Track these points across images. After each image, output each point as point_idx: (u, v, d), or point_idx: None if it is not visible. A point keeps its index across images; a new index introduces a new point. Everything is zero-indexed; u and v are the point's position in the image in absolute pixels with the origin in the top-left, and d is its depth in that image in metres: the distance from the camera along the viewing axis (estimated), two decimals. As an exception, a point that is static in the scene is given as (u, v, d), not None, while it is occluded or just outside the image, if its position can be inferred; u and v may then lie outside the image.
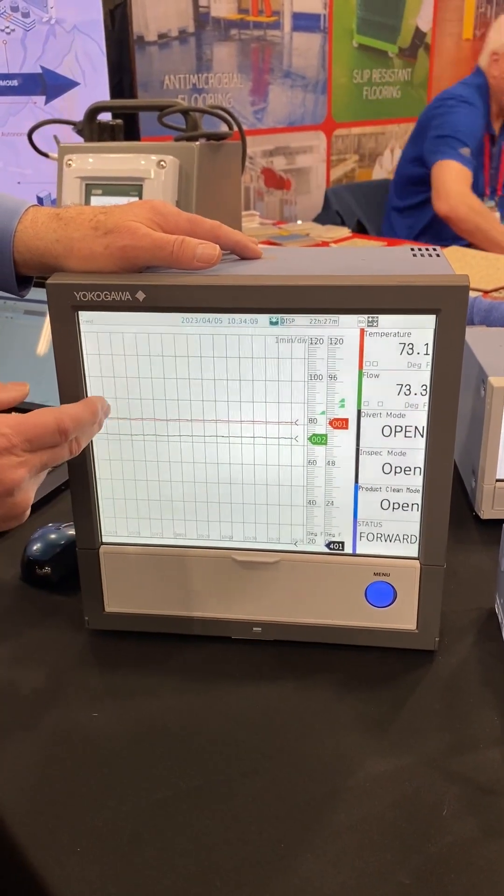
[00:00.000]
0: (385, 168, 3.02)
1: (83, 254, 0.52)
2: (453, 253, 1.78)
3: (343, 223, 2.39)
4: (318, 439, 0.55)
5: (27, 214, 0.56)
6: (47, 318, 0.98)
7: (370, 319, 0.51)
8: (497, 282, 1.54)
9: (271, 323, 0.52)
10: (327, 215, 2.48)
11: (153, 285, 0.51)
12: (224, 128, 1.06)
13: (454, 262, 1.93)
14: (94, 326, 0.53)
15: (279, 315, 0.52)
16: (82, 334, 0.54)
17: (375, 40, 2.83)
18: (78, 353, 0.54)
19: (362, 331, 0.52)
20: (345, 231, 2.06)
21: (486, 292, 1.48)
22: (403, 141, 3.05)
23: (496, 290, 1.50)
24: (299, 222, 2.27)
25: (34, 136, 1.19)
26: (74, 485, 0.57)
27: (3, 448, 0.45)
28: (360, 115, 2.87)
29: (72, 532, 0.69)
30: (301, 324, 0.52)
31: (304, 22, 2.60)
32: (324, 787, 0.49)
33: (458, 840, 0.45)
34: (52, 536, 0.69)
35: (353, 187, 2.66)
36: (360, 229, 2.42)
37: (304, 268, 0.54)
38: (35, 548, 0.68)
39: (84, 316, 0.53)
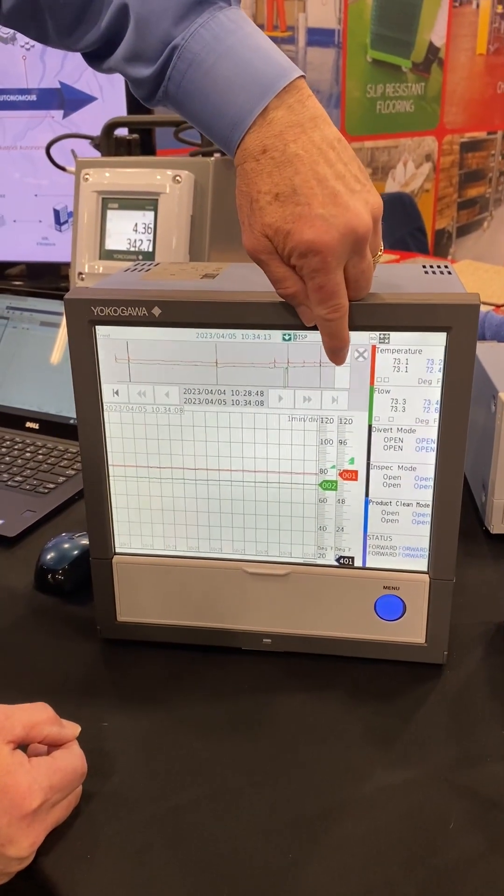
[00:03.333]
0: (398, 181, 3.03)
1: (243, 226, 0.48)
2: (466, 267, 1.79)
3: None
4: (329, 485, 0.56)
5: (268, 111, 0.46)
6: (62, 329, 0.99)
7: (382, 336, 0.52)
8: (509, 296, 1.55)
9: (284, 339, 0.53)
10: (340, 228, 2.49)
11: (169, 301, 0.52)
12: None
13: (467, 275, 1.92)
14: (110, 343, 0.54)
15: (292, 331, 0.53)
16: (99, 349, 0.55)
17: (389, 55, 2.85)
18: (95, 367, 0.55)
19: (374, 347, 0.53)
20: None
21: (497, 306, 1.49)
22: (416, 154, 3.06)
23: (508, 304, 1.50)
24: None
25: (52, 150, 1.21)
26: (89, 496, 0.58)
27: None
28: (373, 128, 2.89)
29: (85, 542, 0.70)
30: (313, 339, 0.53)
31: (319, 37, 2.63)
32: (332, 799, 0.49)
33: (465, 854, 0.45)
34: (66, 546, 0.70)
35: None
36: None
37: (317, 285, 0.55)
38: (49, 556, 0.69)
39: (101, 331, 0.54)
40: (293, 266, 0.47)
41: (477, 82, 3.18)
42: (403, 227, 2.67)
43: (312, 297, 0.48)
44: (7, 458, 0.90)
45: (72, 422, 0.94)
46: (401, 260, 1.87)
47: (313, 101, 0.48)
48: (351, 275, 0.48)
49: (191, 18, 0.47)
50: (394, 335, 0.52)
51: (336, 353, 0.51)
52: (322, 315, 0.48)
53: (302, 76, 0.48)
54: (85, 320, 0.53)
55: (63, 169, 1.22)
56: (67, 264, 1.53)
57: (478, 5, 3.06)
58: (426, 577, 0.57)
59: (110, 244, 1.05)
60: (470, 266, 1.79)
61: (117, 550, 0.60)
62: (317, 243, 0.45)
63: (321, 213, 0.45)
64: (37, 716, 0.46)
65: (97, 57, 0.53)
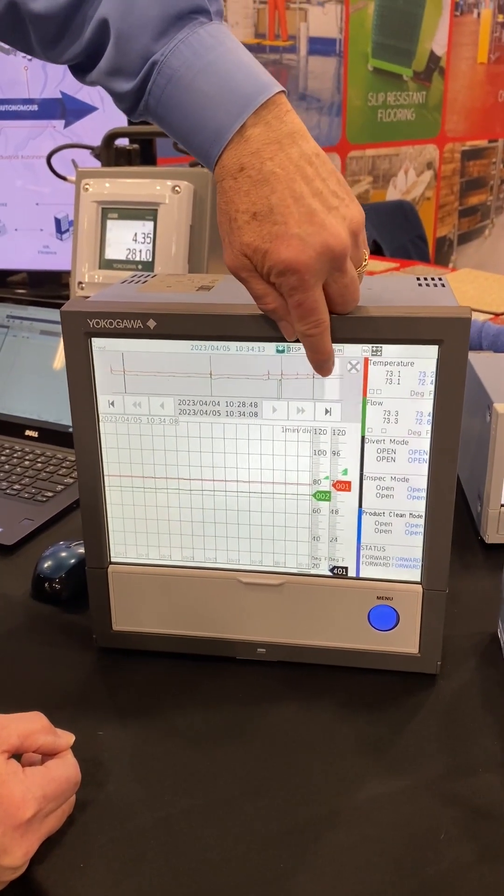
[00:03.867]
0: (399, 189, 3.04)
1: (223, 242, 0.48)
2: (465, 275, 1.80)
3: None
4: (323, 496, 0.57)
5: (246, 128, 0.46)
6: (55, 338, 1.00)
7: (374, 349, 0.53)
8: (508, 304, 1.55)
9: (277, 351, 0.54)
10: (341, 236, 2.50)
11: (164, 314, 0.53)
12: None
13: (466, 283, 1.92)
14: (105, 354, 0.55)
15: (285, 344, 0.53)
16: (95, 360, 0.55)
17: (390, 64, 2.87)
18: (90, 378, 0.55)
19: (366, 359, 0.53)
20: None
21: (496, 315, 1.49)
22: (418, 162, 3.08)
23: (507, 312, 1.51)
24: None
25: (52, 160, 1.22)
26: (85, 506, 0.59)
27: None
28: (374, 136, 2.91)
29: (82, 550, 0.70)
30: (307, 352, 0.53)
31: (320, 46, 2.64)
32: (324, 808, 0.49)
33: (454, 864, 0.45)
34: (63, 554, 0.71)
35: (367, 208, 2.68)
36: (375, 249, 2.43)
37: (311, 297, 0.56)
38: (46, 565, 0.70)
39: (97, 342, 0.55)
40: (273, 283, 0.48)
41: (478, 91, 3.19)
42: (404, 234, 2.68)
43: (293, 313, 0.48)
44: (6, 466, 0.91)
45: (71, 430, 0.94)
46: (401, 268, 1.88)
47: (292, 116, 0.48)
48: (333, 290, 0.48)
49: (171, 34, 0.47)
50: (386, 348, 0.52)
51: (320, 365, 0.51)
52: (302, 331, 0.49)
53: (282, 91, 0.48)
54: (81, 332, 0.54)
55: (64, 178, 1.23)
56: (68, 272, 1.54)
57: (479, 14, 3.08)
58: (419, 588, 0.57)
59: (110, 254, 1.06)
60: (469, 274, 1.80)
61: (113, 560, 0.61)
62: (294, 263, 0.46)
63: (297, 233, 0.45)
64: (31, 725, 0.46)
65: (81, 70, 0.53)
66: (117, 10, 0.47)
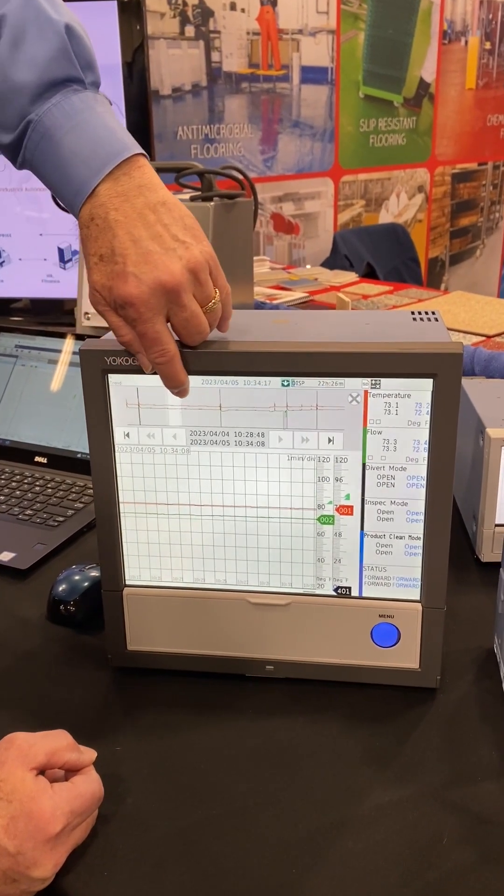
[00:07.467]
0: (391, 212, 3.10)
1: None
2: (458, 298, 1.84)
3: (351, 266, 2.46)
4: (327, 519, 0.60)
5: (104, 184, 0.52)
6: (68, 367, 1.03)
7: (373, 382, 0.56)
8: (500, 326, 1.59)
9: (283, 385, 0.57)
10: (335, 259, 2.55)
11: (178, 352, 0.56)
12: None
13: (458, 306, 1.96)
14: (121, 389, 0.58)
15: (290, 378, 0.57)
16: (111, 395, 0.59)
17: (381, 91, 2.93)
18: (107, 411, 0.59)
19: (366, 392, 0.57)
20: (352, 276, 2.12)
21: (488, 337, 1.53)
22: (409, 186, 3.14)
23: (499, 334, 1.55)
24: (308, 267, 2.34)
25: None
26: (101, 531, 0.62)
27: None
28: (366, 161, 2.97)
29: (95, 573, 0.73)
30: (310, 385, 0.57)
31: (312, 75, 2.71)
32: (333, 816, 0.52)
33: (457, 867, 0.48)
34: (76, 578, 0.74)
35: (360, 231, 2.74)
36: (369, 272, 2.48)
37: (313, 333, 0.60)
38: (61, 588, 0.73)
39: (113, 378, 0.58)
40: (123, 317, 0.54)
41: (467, 115, 3.27)
42: (397, 257, 2.74)
43: (142, 343, 0.54)
44: (17, 492, 0.94)
45: (79, 456, 0.97)
46: (394, 291, 1.93)
47: (143, 171, 0.54)
48: (175, 322, 0.54)
49: (46, 97, 0.54)
50: (385, 381, 0.56)
51: (177, 393, 0.57)
52: (152, 360, 0.55)
53: (141, 154, 0.54)
54: (98, 369, 0.57)
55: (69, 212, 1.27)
56: (71, 300, 1.58)
57: (466, 42, 3.16)
58: (419, 606, 0.61)
59: (115, 285, 1.10)
60: (461, 297, 1.84)
61: (128, 583, 0.64)
62: (129, 297, 0.52)
63: (132, 271, 0.52)
64: (57, 743, 0.49)
65: None
66: None
